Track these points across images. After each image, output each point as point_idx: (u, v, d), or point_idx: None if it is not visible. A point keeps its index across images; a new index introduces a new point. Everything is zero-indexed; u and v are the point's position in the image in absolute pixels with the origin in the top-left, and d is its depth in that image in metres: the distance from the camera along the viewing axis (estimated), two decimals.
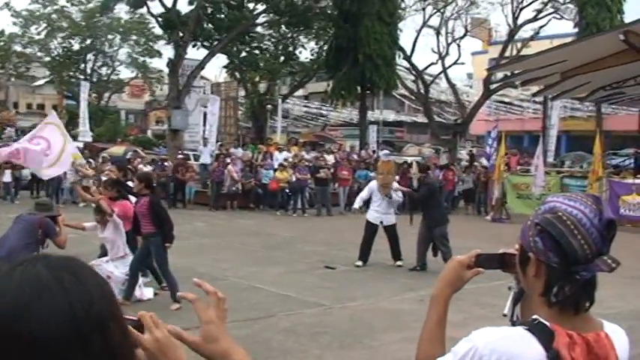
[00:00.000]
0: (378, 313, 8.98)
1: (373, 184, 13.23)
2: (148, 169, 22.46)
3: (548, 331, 1.64)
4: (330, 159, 25.11)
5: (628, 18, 30.42)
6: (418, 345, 1.94)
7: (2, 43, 50.59)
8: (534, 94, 32.31)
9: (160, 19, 30.96)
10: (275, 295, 9.89)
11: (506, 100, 47.32)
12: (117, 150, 29.01)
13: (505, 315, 1.89)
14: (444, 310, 1.94)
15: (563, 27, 37.76)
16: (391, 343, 7.59)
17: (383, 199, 12.71)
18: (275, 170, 22.81)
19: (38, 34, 51.21)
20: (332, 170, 23.41)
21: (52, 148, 10.60)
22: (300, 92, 51.87)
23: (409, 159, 26.80)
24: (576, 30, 33.12)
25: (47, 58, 53.12)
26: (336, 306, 9.34)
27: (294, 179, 22.09)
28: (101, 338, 1.14)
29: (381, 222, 12.68)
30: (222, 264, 12.29)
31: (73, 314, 1.11)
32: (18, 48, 51.59)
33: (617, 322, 1.80)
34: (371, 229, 12.70)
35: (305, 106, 57.90)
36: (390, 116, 55.93)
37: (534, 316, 1.69)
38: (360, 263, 12.48)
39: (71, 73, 53.64)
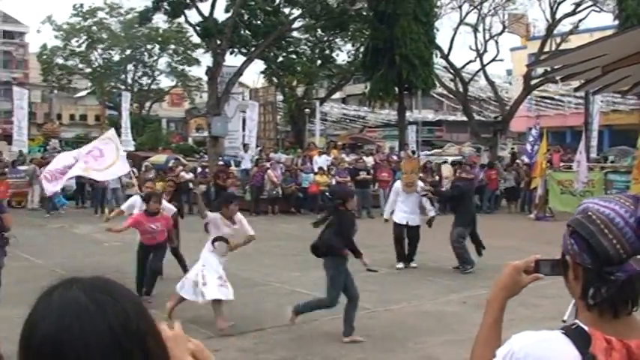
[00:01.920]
0: (421, 315, 8.93)
1: (397, 184, 13.21)
2: (190, 176, 22.71)
3: (585, 335, 1.63)
4: (370, 161, 25.04)
5: None
6: (473, 348, 1.93)
7: (45, 57, 51.61)
8: (576, 89, 31.75)
9: (197, 27, 31.26)
10: None
11: (547, 95, 46.69)
12: (159, 158, 29.31)
13: (564, 321, 1.87)
14: (498, 314, 1.93)
15: (602, 20, 37.16)
16: (434, 346, 7.55)
17: (408, 198, 12.68)
18: (315, 174, 22.84)
19: (79, 46, 52.22)
20: (372, 172, 23.36)
21: (104, 158, 11.49)
22: (337, 95, 51.95)
23: (449, 158, 26.62)
24: (616, 22, 32.56)
25: (88, 70, 54.08)
26: (378, 309, 9.31)
27: (334, 182, 22.10)
28: (141, 352, 1.21)
29: (407, 222, 12.62)
30: (265, 269, 12.35)
31: (112, 333, 1.18)
32: (60, 60, 52.59)
33: None
34: (398, 229, 12.69)
35: (343, 109, 57.90)
36: (429, 116, 55.60)
37: (575, 320, 1.69)
38: (401, 265, 12.44)
39: (112, 84, 54.54)
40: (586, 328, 1.65)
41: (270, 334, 7.98)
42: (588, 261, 1.67)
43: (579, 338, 1.63)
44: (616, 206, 1.67)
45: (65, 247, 15.08)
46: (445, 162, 25.70)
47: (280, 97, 41.88)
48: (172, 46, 53.48)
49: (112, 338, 1.17)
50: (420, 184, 13.14)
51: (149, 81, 56.90)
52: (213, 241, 8.33)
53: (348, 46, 40.21)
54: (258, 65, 41.15)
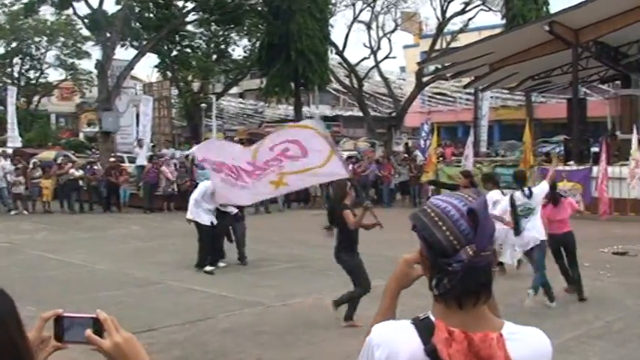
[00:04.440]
0: (319, 309, 8.94)
1: (209, 187, 11.93)
2: (80, 173, 22.01)
3: (431, 326, 1.68)
4: None
5: (553, 9, 31.22)
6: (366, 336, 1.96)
7: None
8: (465, 86, 32.89)
9: (86, 20, 30.29)
10: (214, 296, 9.79)
11: (440, 91, 48.01)
12: (48, 155, 28.22)
13: None
14: (389, 303, 1.98)
15: (491, 19, 38.54)
16: (332, 339, 7.59)
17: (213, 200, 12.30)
18: None
19: None
20: None
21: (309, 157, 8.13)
22: (235, 90, 51.59)
23: (345, 154, 26.89)
24: (504, 21, 33.81)
25: None
26: (276, 304, 9.28)
27: None
28: None
29: (212, 222, 12.20)
30: (160, 267, 12.09)
31: None
32: None
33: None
34: (213, 230, 12.22)
35: (240, 103, 57.56)
36: (326, 111, 56.04)
37: (427, 312, 1.74)
38: (210, 268, 11.89)
39: None
40: (433, 318, 1.70)
41: (164, 334, 7.80)
42: (427, 252, 1.73)
43: (424, 329, 1.68)
44: (455, 200, 1.73)
45: None
46: None
47: (175, 92, 41.14)
48: (61, 39, 51.59)
49: None
50: None
51: (37, 74, 54.63)
52: None
53: (244, 41, 40.00)
54: (152, 59, 40.43)
